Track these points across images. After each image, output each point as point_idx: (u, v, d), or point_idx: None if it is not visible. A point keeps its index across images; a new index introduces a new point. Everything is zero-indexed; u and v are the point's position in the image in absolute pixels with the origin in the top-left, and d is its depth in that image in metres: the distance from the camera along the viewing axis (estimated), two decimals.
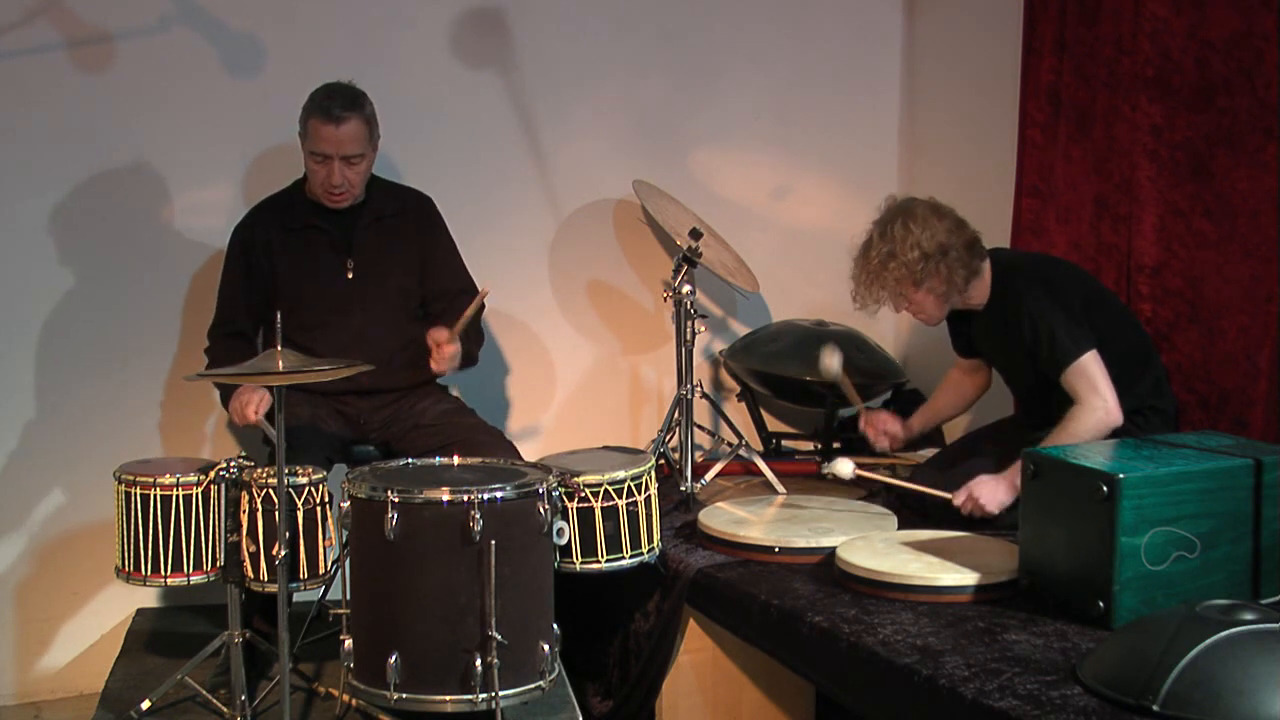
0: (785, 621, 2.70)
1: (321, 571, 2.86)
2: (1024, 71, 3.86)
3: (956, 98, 4.35)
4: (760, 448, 4.21)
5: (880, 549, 2.90)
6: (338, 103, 3.31)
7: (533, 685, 2.66)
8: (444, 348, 3.35)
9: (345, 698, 2.84)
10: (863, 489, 3.62)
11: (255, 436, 3.39)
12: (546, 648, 2.68)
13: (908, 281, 3.18)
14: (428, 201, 3.64)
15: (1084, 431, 3.04)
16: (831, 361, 3.56)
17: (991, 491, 3.08)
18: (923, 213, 3.18)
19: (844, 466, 3.31)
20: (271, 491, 2.76)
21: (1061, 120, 3.73)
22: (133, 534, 2.84)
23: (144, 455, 3.23)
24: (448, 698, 2.59)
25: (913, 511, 3.33)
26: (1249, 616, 2.10)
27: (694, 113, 4.34)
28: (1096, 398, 3.06)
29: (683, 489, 3.61)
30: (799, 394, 4.14)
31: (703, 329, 3.70)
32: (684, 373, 3.67)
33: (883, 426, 3.64)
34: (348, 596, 2.72)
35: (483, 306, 3.40)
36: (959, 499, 3.12)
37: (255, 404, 3.19)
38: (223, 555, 2.84)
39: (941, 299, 3.23)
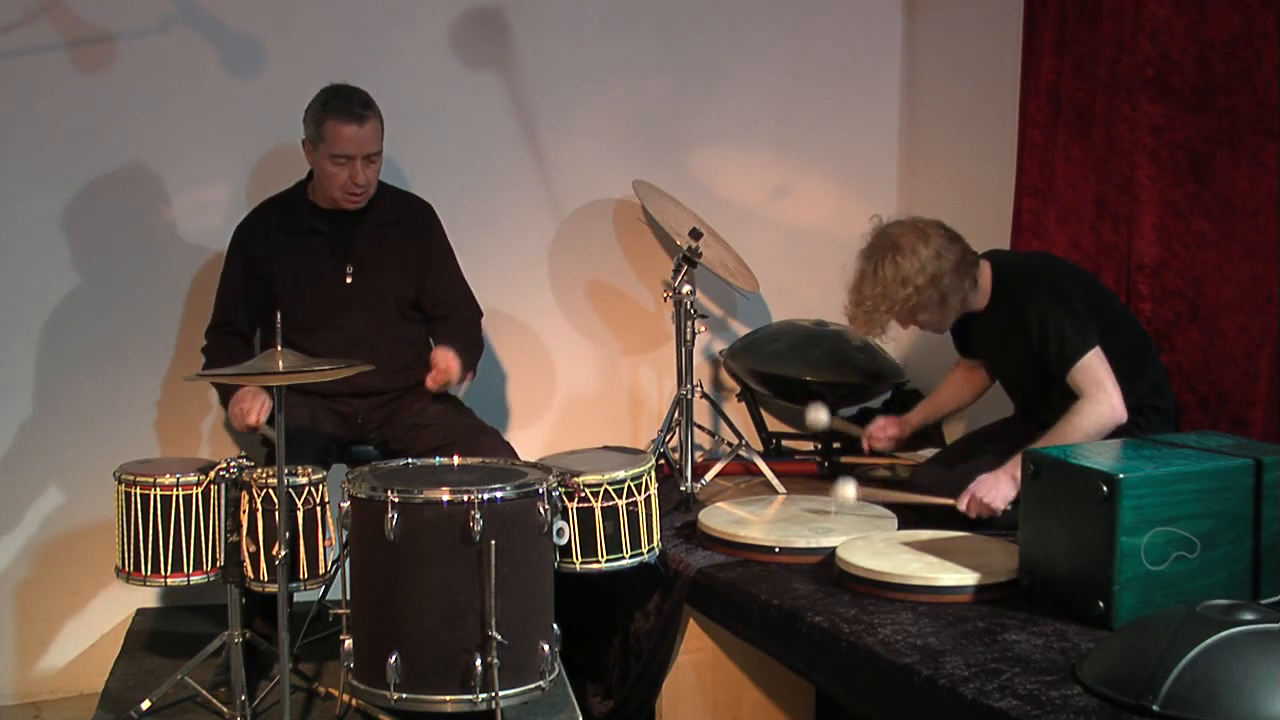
0: (785, 621, 2.70)
1: (321, 571, 2.86)
2: (1024, 71, 3.86)
3: (956, 98, 4.34)
4: (760, 448, 4.21)
5: (880, 549, 2.90)
6: (356, 103, 3.33)
7: (533, 685, 2.66)
8: (447, 371, 3.36)
9: (345, 698, 2.84)
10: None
11: (253, 437, 3.38)
12: (546, 648, 2.68)
13: (905, 316, 3.24)
14: (428, 208, 3.64)
15: (1088, 425, 3.04)
16: (819, 417, 3.64)
17: (993, 488, 3.07)
18: (909, 243, 3.16)
19: (847, 490, 3.22)
20: (271, 491, 2.76)
21: (1061, 120, 3.73)
22: (133, 534, 2.84)
23: (144, 455, 3.23)
24: (448, 698, 2.59)
25: (913, 510, 3.33)
26: (1249, 616, 2.10)
27: (694, 113, 4.34)
28: (1102, 393, 3.06)
29: (683, 489, 3.61)
30: (799, 394, 4.13)
31: (703, 329, 3.69)
32: (684, 373, 3.67)
33: (883, 434, 3.68)
34: (348, 596, 2.72)
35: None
36: (963, 503, 3.11)
37: (256, 411, 3.19)
38: (223, 555, 2.84)
39: (938, 324, 3.29)
